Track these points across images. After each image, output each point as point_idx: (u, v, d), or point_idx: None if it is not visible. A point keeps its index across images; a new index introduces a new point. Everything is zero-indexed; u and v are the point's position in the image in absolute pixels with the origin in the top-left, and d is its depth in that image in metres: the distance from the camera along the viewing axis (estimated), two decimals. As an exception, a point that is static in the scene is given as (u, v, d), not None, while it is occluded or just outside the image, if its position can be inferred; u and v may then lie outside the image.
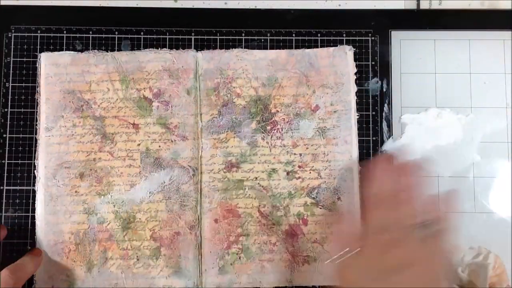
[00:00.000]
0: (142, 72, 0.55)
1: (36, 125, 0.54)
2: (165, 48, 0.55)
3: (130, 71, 0.55)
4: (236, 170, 0.54)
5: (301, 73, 0.55)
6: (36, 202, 0.53)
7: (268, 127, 0.55)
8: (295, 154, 0.54)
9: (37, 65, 0.55)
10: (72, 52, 0.55)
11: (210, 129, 0.54)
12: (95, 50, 0.55)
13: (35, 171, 0.53)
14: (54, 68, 0.55)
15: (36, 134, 0.54)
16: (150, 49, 0.55)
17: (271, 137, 0.54)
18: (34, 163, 0.54)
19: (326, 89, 0.55)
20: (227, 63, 0.55)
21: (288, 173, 0.54)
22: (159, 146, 0.54)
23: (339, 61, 0.55)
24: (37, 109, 0.54)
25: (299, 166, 0.54)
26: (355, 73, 0.55)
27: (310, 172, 0.54)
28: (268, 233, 0.53)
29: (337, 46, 0.56)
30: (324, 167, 0.54)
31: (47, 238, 0.53)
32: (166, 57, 0.55)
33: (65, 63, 0.55)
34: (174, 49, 0.55)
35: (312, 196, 0.54)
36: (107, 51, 0.55)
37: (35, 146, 0.54)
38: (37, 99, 0.54)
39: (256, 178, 0.54)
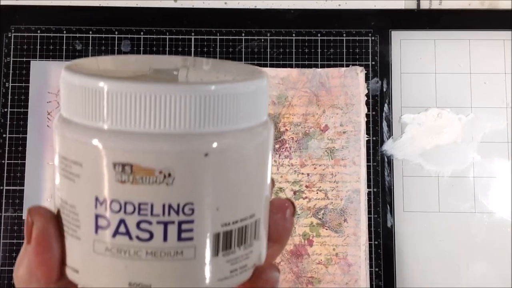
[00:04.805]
0: None
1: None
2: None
3: None
4: None
5: (312, 92, 0.54)
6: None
7: (277, 146, 0.54)
8: (302, 173, 0.53)
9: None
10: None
11: None
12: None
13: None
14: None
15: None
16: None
17: (279, 156, 0.54)
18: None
19: (336, 109, 0.54)
20: None
21: (295, 193, 0.53)
22: None
23: (350, 82, 0.55)
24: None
25: (306, 186, 0.53)
26: (366, 95, 0.55)
27: (317, 193, 0.53)
28: None
29: (349, 66, 0.55)
30: (332, 187, 0.53)
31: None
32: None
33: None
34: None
35: (319, 216, 0.53)
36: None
37: (35, 146, 0.54)
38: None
39: None
